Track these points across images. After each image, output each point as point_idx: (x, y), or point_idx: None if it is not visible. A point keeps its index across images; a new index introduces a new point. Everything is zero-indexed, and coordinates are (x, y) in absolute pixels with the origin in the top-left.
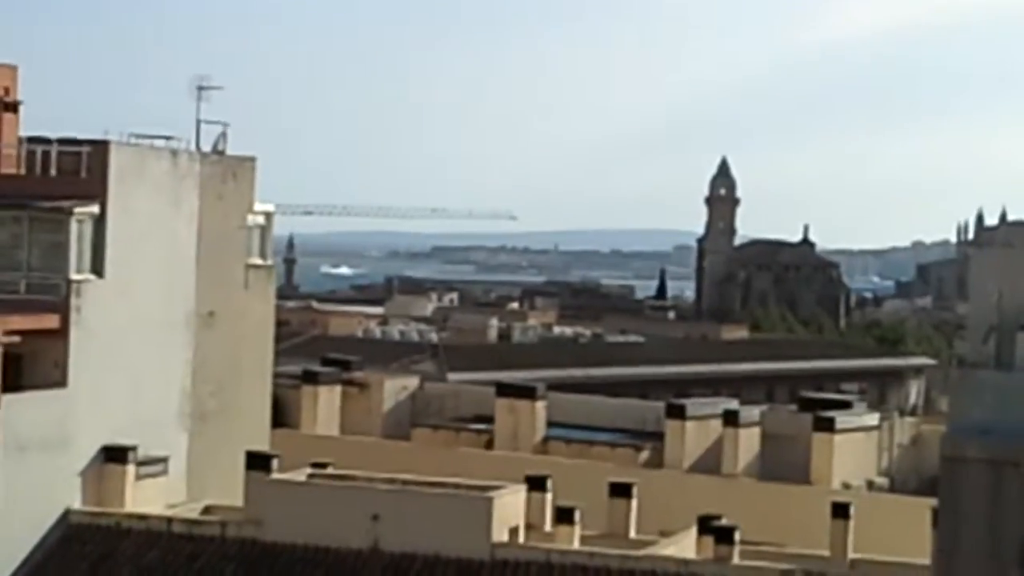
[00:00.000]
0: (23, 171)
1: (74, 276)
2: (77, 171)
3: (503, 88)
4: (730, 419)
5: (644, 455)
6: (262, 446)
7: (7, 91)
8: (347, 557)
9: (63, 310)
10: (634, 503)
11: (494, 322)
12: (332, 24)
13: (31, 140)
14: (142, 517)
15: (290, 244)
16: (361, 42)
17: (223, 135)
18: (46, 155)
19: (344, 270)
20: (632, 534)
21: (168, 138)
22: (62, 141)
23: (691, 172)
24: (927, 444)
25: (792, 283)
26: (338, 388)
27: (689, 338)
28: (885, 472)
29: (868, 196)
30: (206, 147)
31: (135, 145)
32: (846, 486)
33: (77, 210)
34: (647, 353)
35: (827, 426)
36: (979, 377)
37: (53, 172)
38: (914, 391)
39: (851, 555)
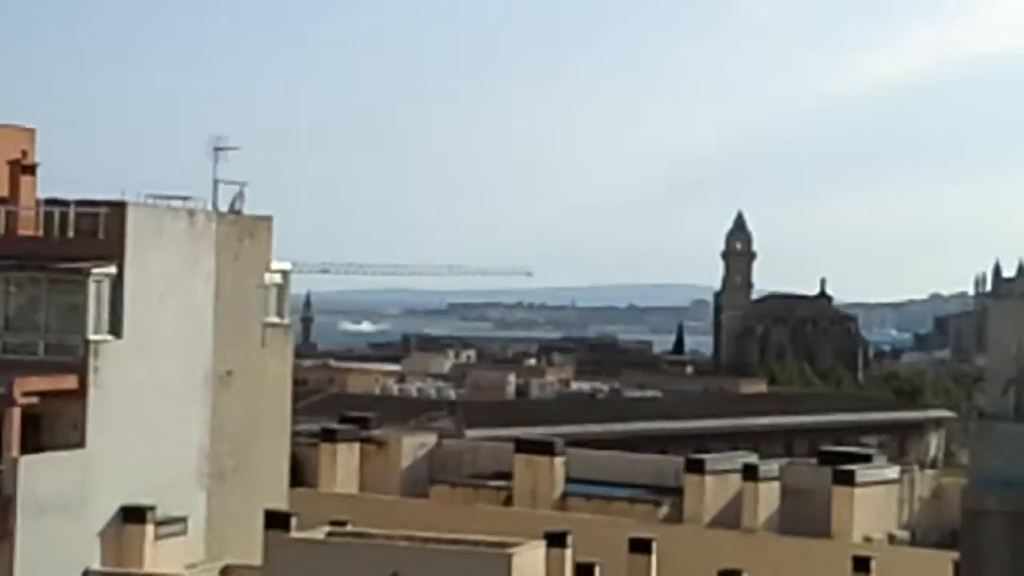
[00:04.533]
0: (41, 233)
1: (92, 337)
2: (95, 232)
3: (519, 144)
4: (749, 473)
5: (664, 510)
6: (280, 505)
7: (25, 154)
8: None
9: (81, 371)
10: (654, 559)
11: (512, 378)
12: (348, 82)
13: (48, 202)
14: None
15: (307, 302)
16: (376, 100)
17: (240, 195)
18: (64, 217)
19: (366, 326)
20: None
21: (185, 198)
22: (79, 203)
23: (707, 226)
24: (948, 497)
25: (810, 337)
26: (356, 446)
27: (707, 393)
28: (906, 525)
29: (885, 249)
30: (223, 206)
31: (152, 206)
32: (867, 540)
33: (95, 271)
34: (665, 408)
35: (847, 479)
36: (999, 429)
37: (71, 234)
38: (934, 444)
39: None
